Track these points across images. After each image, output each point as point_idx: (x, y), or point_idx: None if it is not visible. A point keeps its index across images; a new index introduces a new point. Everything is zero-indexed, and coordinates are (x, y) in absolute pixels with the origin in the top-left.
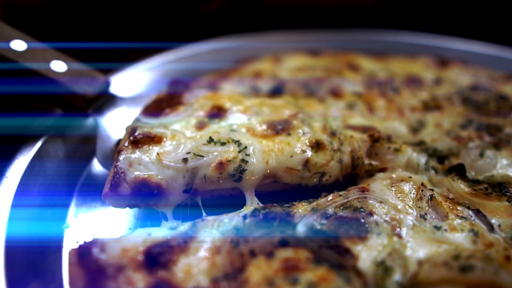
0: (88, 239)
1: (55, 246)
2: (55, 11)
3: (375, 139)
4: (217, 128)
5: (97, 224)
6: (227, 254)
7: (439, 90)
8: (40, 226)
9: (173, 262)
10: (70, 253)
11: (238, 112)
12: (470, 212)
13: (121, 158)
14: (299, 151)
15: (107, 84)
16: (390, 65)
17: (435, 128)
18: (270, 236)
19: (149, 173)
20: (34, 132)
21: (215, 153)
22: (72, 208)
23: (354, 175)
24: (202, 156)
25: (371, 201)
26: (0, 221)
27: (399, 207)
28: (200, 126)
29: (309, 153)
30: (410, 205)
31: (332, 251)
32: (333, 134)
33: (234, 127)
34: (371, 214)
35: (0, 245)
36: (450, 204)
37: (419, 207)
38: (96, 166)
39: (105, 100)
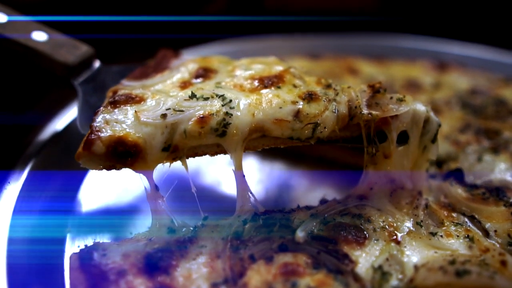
0: (90, 243)
1: (57, 250)
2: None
3: (376, 89)
4: (201, 85)
5: (98, 228)
6: (227, 259)
7: (438, 94)
8: (42, 230)
9: (173, 267)
10: (71, 257)
11: (226, 71)
12: (466, 219)
13: (97, 118)
14: (289, 103)
15: (91, 53)
16: (389, 69)
17: None
18: (270, 241)
19: (126, 131)
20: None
21: (197, 108)
22: (74, 212)
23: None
24: (183, 111)
25: (369, 209)
26: (2, 226)
27: (396, 214)
28: (184, 85)
29: (300, 104)
30: (406, 212)
31: (330, 256)
32: (328, 86)
33: (220, 84)
34: (369, 220)
35: (2, 250)
36: (445, 211)
37: (415, 215)
38: (98, 173)
39: (88, 69)
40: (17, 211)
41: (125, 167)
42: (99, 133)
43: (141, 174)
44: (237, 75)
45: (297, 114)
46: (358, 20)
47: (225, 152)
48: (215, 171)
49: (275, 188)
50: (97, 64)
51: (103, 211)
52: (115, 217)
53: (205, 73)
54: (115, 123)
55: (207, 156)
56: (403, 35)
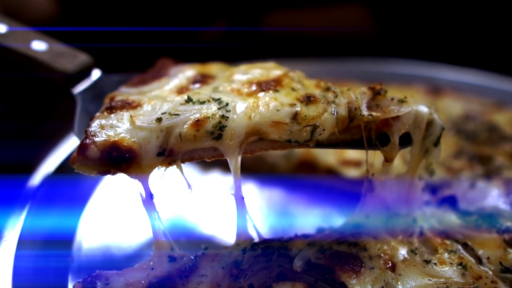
0: (92, 272)
1: (60, 280)
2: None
3: (377, 91)
4: (198, 90)
5: (101, 257)
6: None
7: None
8: (45, 260)
9: None
10: (74, 287)
11: (224, 77)
12: (459, 246)
13: (93, 123)
14: (286, 105)
15: (90, 62)
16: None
17: None
18: (268, 270)
19: (121, 135)
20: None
21: (193, 111)
22: (77, 240)
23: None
24: (178, 115)
25: (364, 237)
26: (7, 256)
27: (391, 242)
28: (181, 91)
29: (298, 107)
30: (401, 240)
31: (327, 285)
32: (327, 89)
33: (218, 89)
34: (365, 248)
35: (7, 280)
36: (439, 239)
37: (410, 242)
38: (99, 199)
39: (87, 78)
40: (21, 241)
41: (120, 172)
42: (94, 138)
43: (136, 180)
44: (235, 80)
45: (295, 116)
46: (353, 45)
47: (222, 156)
48: (215, 197)
49: (274, 215)
50: (96, 73)
51: (105, 240)
52: (117, 246)
53: (203, 78)
54: (110, 128)
55: (206, 162)
56: (398, 60)
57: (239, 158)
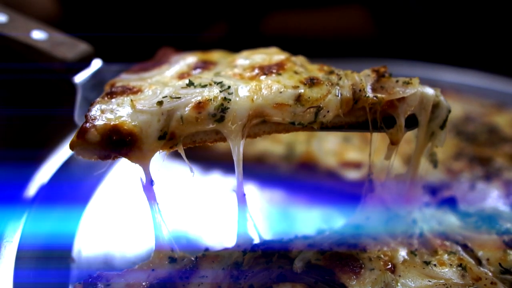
0: (93, 273)
1: (61, 281)
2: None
3: (381, 73)
4: (199, 75)
5: (102, 258)
6: None
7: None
8: (46, 261)
9: None
10: (75, 287)
11: (226, 62)
12: (459, 247)
13: (93, 108)
14: (290, 87)
15: (91, 52)
16: None
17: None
18: (269, 271)
19: (121, 119)
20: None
21: (194, 94)
22: (77, 242)
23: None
24: (179, 98)
25: (364, 238)
26: (8, 256)
27: (391, 243)
28: (182, 77)
29: (301, 89)
30: (401, 241)
31: (327, 286)
32: (331, 72)
33: (220, 74)
34: (364, 250)
35: (8, 282)
36: (439, 240)
37: (410, 244)
38: (100, 202)
39: (87, 67)
40: (21, 243)
41: (121, 157)
42: (94, 122)
43: (137, 165)
44: (237, 65)
45: (299, 98)
46: (353, 47)
47: (224, 140)
48: (215, 198)
49: (274, 216)
50: (97, 62)
51: (106, 241)
52: (118, 246)
53: (204, 65)
54: (110, 112)
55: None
56: (398, 61)
57: (242, 143)
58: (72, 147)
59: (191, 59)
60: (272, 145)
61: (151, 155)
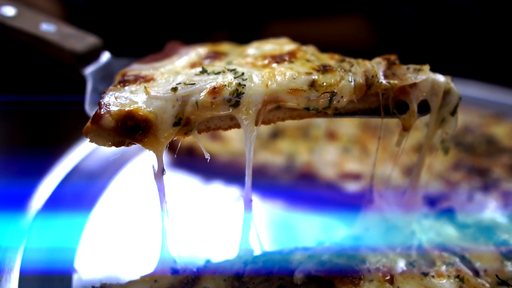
0: (96, 284)
1: None
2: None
3: (392, 61)
4: (212, 63)
5: (105, 269)
6: None
7: None
8: (48, 271)
9: None
10: None
11: (237, 53)
12: (456, 258)
13: (106, 95)
14: (303, 74)
15: (100, 44)
16: None
17: (427, 170)
18: (269, 282)
19: (136, 105)
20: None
21: (208, 81)
22: (80, 252)
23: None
24: (194, 84)
25: (363, 249)
26: (12, 264)
27: (389, 254)
28: (194, 65)
29: (315, 75)
30: (399, 252)
31: None
32: (342, 60)
33: (231, 63)
34: (363, 261)
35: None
36: (437, 251)
37: (408, 255)
38: (102, 212)
39: (97, 60)
40: (25, 252)
41: (135, 143)
42: (108, 107)
43: (151, 151)
44: (248, 55)
45: (313, 83)
46: (353, 56)
47: (238, 126)
48: (217, 208)
49: (274, 227)
50: (106, 55)
51: (109, 252)
52: (121, 256)
53: (215, 55)
54: (124, 99)
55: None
56: None
57: (256, 129)
58: (86, 133)
59: (201, 50)
60: (272, 156)
61: (166, 142)
